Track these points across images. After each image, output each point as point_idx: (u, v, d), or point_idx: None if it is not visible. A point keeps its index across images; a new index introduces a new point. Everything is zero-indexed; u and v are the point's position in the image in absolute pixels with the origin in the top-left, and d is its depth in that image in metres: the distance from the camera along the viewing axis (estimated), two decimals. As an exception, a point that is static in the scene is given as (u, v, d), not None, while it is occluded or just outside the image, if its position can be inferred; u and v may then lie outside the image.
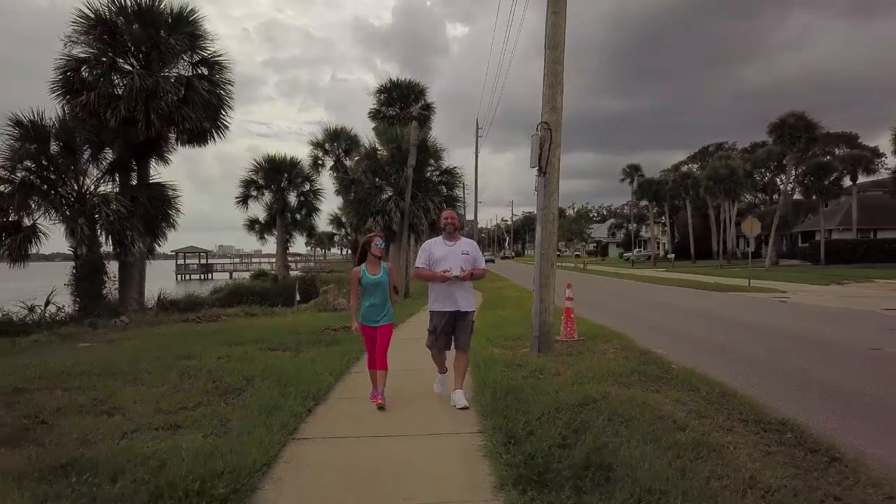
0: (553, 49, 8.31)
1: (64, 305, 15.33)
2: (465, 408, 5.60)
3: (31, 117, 14.56)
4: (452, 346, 5.97)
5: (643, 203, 69.04)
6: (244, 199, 33.20)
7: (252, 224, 35.04)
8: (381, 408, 5.69)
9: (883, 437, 4.93)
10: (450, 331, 5.86)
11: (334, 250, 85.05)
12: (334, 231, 48.99)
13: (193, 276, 73.79)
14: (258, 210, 34.82)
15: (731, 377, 6.99)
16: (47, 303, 15.09)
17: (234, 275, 72.46)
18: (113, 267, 16.75)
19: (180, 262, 76.03)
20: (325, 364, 7.64)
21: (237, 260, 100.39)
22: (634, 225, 78.91)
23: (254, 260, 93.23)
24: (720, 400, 5.62)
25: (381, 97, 33.30)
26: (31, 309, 14.60)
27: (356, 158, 29.06)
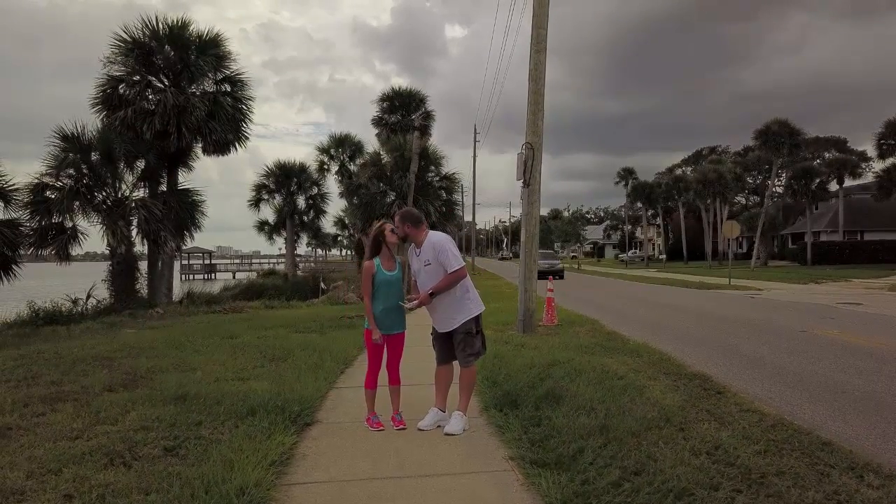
0: (535, 82, 10.02)
1: (103, 299, 17.10)
2: (451, 434, 4.78)
3: (75, 131, 16.31)
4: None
5: (637, 205, 70.77)
6: (256, 202, 35.06)
7: (262, 225, 36.85)
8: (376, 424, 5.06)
9: (767, 382, 6.62)
10: (444, 344, 5.07)
11: (334, 251, 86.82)
12: (338, 232, 50.75)
13: (197, 276, 75.16)
14: (267, 213, 36.68)
15: (674, 349, 8.68)
16: (88, 296, 16.84)
17: (237, 275, 74.15)
18: (140, 265, 18.52)
19: (184, 262, 77.48)
20: (349, 341, 9.36)
21: (237, 260, 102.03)
22: (629, 227, 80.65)
23: (254, 261, 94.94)
24: (656, 362, 7.35)
25: (384, 105, 35.15)
26: (75, 302, 16.35)
27: (360, 164, 30.80)
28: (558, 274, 32.51)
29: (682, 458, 3.91)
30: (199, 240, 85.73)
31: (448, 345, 5.02)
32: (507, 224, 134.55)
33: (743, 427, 4.65)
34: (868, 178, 52.27)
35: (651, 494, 3.37)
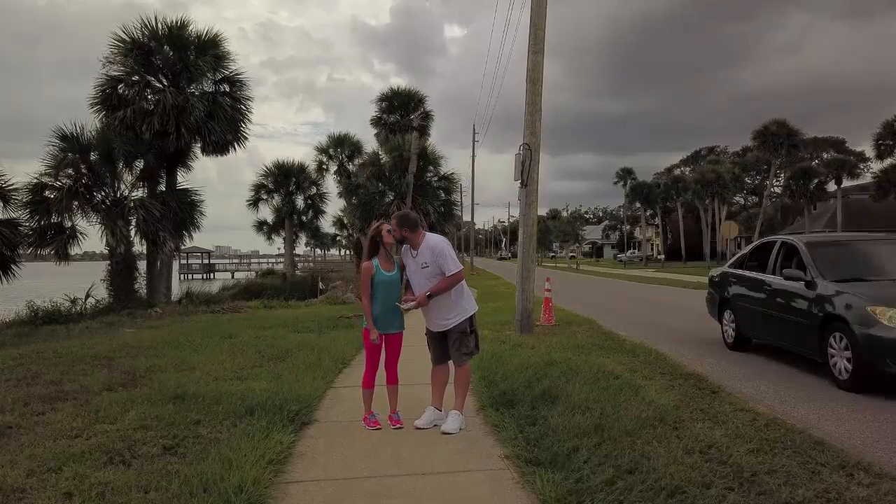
0: (533, 83, 10.06)
1: (102, 298, 17.14)
2: (448, 433, 4.87)
3: (74, 131, 16.38)
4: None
5: (636, 205, 70.85)
6: (255, 202, 35.10)
7: (261, 225, 36.90)
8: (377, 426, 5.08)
9: (763, 382, 6.66)
10: (438, 344, 5.16)
11: (332, 251, 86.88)
12: (337, 232, 50.81)
13: (196, 276, 75.01)
14: (266, 212, 36.72)
15: (671, 349, 8.72)
16: (87, 296, 16.89)
17: (236, 274, 74.09)
18: (139, 265, 18.56)
19: (183, 261, 77.29)
20: (346, 341, 9.40)
21: (236, 260, 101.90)
22: (628, 227, 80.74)
23: (252, 260, 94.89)
24: (652, 361, 7.40)
25: (383, 105, 35.20)
26: (74, 301, 16.40)
27: (359, 164, 30.86)
28: None
29: (675, 456, 3.95)
30: (198, 239, 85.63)
31: (443, 345, 5.11)
32: (506, 224, 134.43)
33: (736, 426, 4.69)
34: (866, 178, 52.42)
35: (644, 492, 3.42)
